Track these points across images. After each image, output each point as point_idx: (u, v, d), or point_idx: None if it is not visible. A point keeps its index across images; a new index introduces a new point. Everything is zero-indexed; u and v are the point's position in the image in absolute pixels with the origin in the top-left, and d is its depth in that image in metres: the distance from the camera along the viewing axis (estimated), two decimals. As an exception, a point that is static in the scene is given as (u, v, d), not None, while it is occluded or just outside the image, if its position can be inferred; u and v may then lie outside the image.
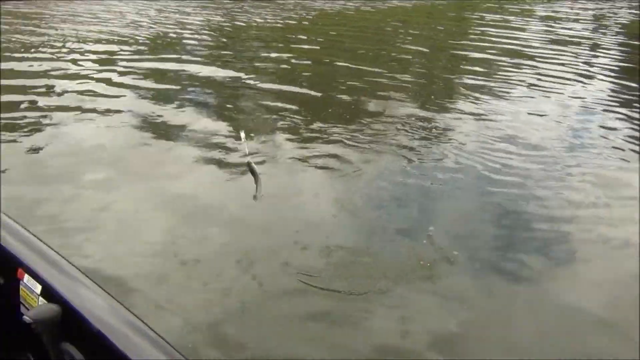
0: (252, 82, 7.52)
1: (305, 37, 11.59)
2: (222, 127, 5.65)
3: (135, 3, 14.61)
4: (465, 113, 6.43)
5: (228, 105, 6.44)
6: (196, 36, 10.70)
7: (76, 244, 3.21)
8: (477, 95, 7.23)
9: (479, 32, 13.81)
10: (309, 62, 9.09)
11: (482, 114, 6.36)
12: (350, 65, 8.94)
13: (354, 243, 3.36)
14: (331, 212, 3.79)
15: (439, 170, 4.59)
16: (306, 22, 13.83)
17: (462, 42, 12.61)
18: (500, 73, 8.65)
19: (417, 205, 4.03)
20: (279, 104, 6.42)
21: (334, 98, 6.95)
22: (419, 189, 4.27)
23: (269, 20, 13.40)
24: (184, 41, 10.12)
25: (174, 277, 2.97)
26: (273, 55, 9.37)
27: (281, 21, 13.46)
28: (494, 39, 12.18)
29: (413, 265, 3.12)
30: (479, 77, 8.35)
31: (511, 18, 16.46)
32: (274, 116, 5.94)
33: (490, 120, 6.09)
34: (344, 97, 6.94)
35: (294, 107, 6.43)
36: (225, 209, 3.82)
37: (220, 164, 4.65)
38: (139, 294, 2.79)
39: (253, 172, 2.04)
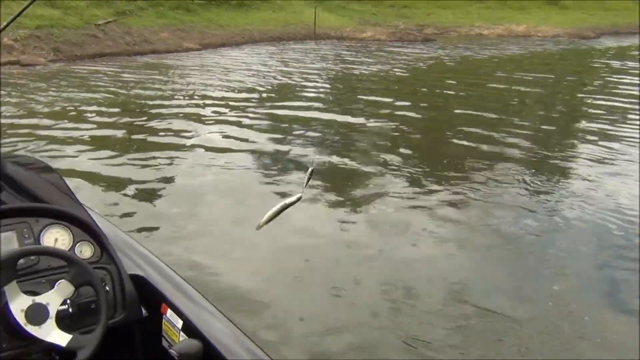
0: (368, 128, 7.72)
1: (420, 85, 11.72)
2: (338, 169, 5.87)
3: (260, 56, 15.51)
4: (593, 161, 6.18)
5: (344, 151, 6.61)
6: (316, 84, 11.16)
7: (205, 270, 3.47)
8: (604, 143, 6.94)
9: (602, 78, 13.27)
10: (425, 109, 9.16)
11: (612, 164, 6.08)
12: (467, 112, 8.92)
13: (473, 303, 3.20)
14: (446, 269, 3.68)
15: (563, 225, 4.38)
16: (422, 71, 13.98)
17: (584, 88, 12.18)
18: (629, 121, 8.24)
19: (539, 262, 3.82)
20: (394, 151, 6.52)
21: (449, 146, 6.94)
22: (541, 245, 4.08)
23: (383, 69, 13.70)
24: (305, 89, 10.59)
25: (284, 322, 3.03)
26: (389, 101, 9.57)
27: (397, 70, 13.70)
28: (619, 85, 11.65)
29: (544, 331, 2.95)
30: (606, 125, 8.02)
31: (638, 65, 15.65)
32: (389, 163, 6.01)
33: (624, 174, 5.76)
34: (461, 144, 6.90)
35: (409, 153, 6.50)
36: (338, 253, 3.89)
37: (335, 204, 4.84)
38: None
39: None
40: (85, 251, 1.46)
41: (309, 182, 1.53)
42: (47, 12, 14.00)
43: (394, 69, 13.82)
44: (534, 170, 5.87)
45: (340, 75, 12.66)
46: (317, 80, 11.71)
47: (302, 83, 11.23)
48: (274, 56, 15.48)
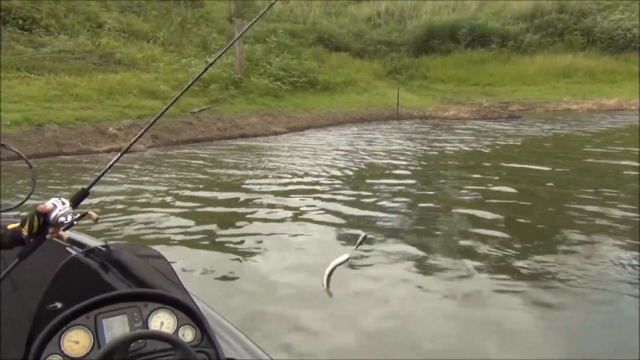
0: (459, 203, 7.57)
1: (510, 161, 11.46)
2: (428, 243, 5.73)
3: (345, 136, 15.86)
4: None
5: (433, 226, 6.51)
6: (402, 162, 11.18)
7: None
8: None
9: None
10: (517, 184, 8.87)
11: None
12: (562, 187, 8.58)
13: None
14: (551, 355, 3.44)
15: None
16: (511, 147, 13.71)
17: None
18: None
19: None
20: (486, 226, 6.33)
21: (544, 222, 6.63)
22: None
23: (470, 146, 13.56)
24: (391, 167, 10.65)
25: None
26: (478, 177, 9.42)
27: (483, 146, 13.53)
28: None
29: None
30: None
31: None
32: (480, 239, 5.83)
33: None
34: (556, 220, 6.59)
35: (501, 227, 6.29)
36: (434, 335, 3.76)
37: (427, 279, 4.71)
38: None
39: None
40: (188, 335, 1.54)
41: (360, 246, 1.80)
42: (149, 103, 15.13)
43: (481, 146, 13.66)
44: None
45: (426, 153, 12.64)
46: (402, 158, 11.75)
47: (388, 161, 11.31)
48: (359, 136, 15.77)
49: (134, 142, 1.90)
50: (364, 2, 36.04)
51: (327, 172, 10.02)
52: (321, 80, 21.44)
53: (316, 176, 9.51)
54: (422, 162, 11.50)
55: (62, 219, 1.55)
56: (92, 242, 2.48)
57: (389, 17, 31.75)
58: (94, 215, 1.68)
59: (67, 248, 2.40)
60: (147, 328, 1.50)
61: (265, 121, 16.96)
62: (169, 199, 7.75)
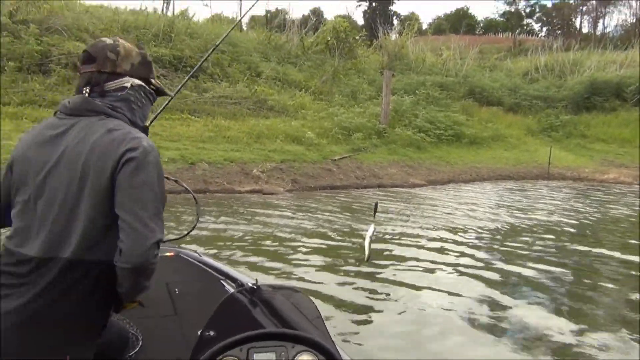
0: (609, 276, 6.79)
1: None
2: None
3: (490, 193, 15.11)
4: None
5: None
6: (554, 225, 10.34)
7: None
8: None
9: None
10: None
11: None
12: None
13: None
14: None
15: None
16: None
17: None
18: None
19: None
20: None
21: None
22: None
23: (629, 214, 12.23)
24: (543, 227, 10.03)
25: None
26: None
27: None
28: None
29: None
30: None
31: None
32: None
33: None
34: None
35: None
36: None
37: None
38: None
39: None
40: None
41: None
42: (294, 148, 15.75)
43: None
44: None
45: (581, 215, 11.60)
46: (555, 219, 10.93)
47: (542, 220, 10.70)
48: (506, 195, 14.97)
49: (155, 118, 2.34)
50: (522, 56, 34.94)
51: (474, 227, 9.70)
52: (468, 134, 20.87)
53: (463, 230, 9.28)
54: (583, 226, 10.55)
55: None
56: (244, 278, 2.72)
57: (547, 72, 30.33)
58: None
59: (222, 281, 2.71)
60: None
61: (405, 172, 16.79)
62: (315, 237, 8.11)
